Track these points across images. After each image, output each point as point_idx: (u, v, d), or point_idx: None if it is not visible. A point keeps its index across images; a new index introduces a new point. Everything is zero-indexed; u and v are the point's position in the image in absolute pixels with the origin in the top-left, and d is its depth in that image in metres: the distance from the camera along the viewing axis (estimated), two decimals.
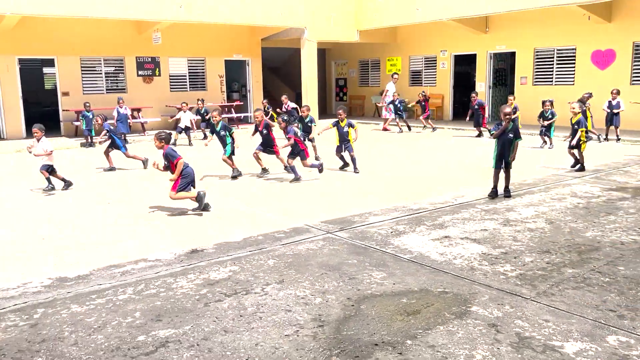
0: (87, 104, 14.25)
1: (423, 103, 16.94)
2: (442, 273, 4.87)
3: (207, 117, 14.86)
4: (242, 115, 19.63)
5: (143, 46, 17.54)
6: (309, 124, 11.21)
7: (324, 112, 21.63)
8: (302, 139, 9.37)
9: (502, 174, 7.70)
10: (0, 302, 4.39)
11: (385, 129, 17.56)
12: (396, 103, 17.22)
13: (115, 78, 17.75)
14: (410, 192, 8.25)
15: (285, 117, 9.44)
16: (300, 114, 15.53)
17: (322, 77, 23.37)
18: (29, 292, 4.60)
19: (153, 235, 6.24)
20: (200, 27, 17.84)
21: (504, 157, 7.60)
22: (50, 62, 17.28)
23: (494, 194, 7.68)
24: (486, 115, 15.52)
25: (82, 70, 16.84)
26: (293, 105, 15.84)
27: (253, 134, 10.46)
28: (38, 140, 8.69)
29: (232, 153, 9.61)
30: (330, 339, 3.67)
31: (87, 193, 8.62)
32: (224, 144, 9.55)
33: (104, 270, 5.10)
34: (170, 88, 18.47)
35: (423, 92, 17.32)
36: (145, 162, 10.64)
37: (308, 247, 5.68)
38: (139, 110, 16.89)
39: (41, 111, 17.95)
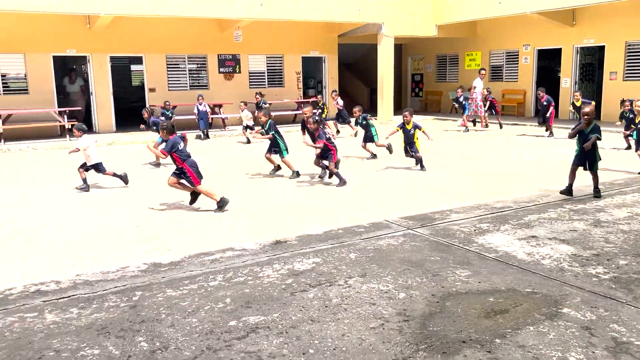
0: (167, 103, 14.80)
1: (489, 101, 16.39)
2: (530, 273, 4.74)
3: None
4: (317, 111, 19.78)
5: (224, 44, 18.09)
6: (362, 125, 11.20)
7: (398, 109, 21.39)
8: (334, 144, 8.73)
9: (588, 175, 7.45)
10: (102, 284, 4.71)
11: (479, 125, 17.10)
12: (461, 99, 16.81)
13: (197, 75, 18.42)
14: (489, 190, 8.05)
15: (317, 118, 8.84)
16: (343, 111, 15.46)
17: (398, 72, 23.16)
18: (128, 275, 4.91)
19: (237, 226, 6.46)
20: (279, 25, 18.16)
21: (586, 158, 7.30)
22: (138, 60, 18.17)
23: (566, 192, 7.42)
24: (551, 112, 14.67)
25: (167, 68, 17.60)
26: (342, 102, 15.81)
27: (303, 132, 9.96)
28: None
29: (275, 152, 9.39)
30: (416, 334, 3.68)
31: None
32: (276, 144, 9.35)
33: (195, 258, 5.34)
34: (250, 85, 18.94)
35: (488, 88, 16.78)
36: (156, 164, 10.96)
37: (389, 243, 5.69)
38: (220, 106, 17.45)
39: (129, 107, 18.90)
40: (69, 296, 4.44)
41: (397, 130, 9.96)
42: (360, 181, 9.00)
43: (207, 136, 15.40)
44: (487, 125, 16.44)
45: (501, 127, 16.29)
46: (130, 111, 17.87)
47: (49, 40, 15.51)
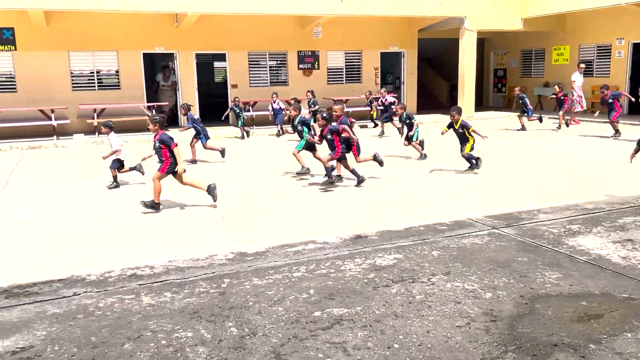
0: (237, 99, 15.09)
1: (562, 97, 15.51)
2: (626, 278, 4.49)
3: (313, 110, 14.90)
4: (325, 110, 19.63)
5: (304, 40, 18.30)
6: (407, 122, 10.98)
7: (480, 105, 20.87)
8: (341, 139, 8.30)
9: None
10: (193, 270, 4.93)
11: (574, 122, 16.32)
12: (563, 96, 16.01)
13: (277, 71, 18.77)
14: (576, 190, 7.68)
15: (325, 115, 8.40)
16: (393, 111, 14.94)
17: (480, 67, 22.51)
18: (216, 263, 5.10)
19: (318, 220, 6.55)
20: (358, 20, 18.15)
21: None
22: (221, 57, 18.75)
23: None
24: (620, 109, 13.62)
25: (249, 64, 18.04)
26: (391, 99, 15.30)
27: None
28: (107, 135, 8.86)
29: (305, 149, 9.26)
30: (504, 335, 3.59)
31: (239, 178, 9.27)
32: (301, 138, 9.36)
33: (278, 249, 5.47)
34: (328, 81, 19.07)
35: (559, 82, 15.88)
36: (222, 152, 10.83)
37: (473, 242, 5.57)
38: (299, 102, 17.68)
39: (212, 102, 19.55)
40: (163, 281, 4.68)
41: (447, 130, 9.48)
42: (433, 179, 8.85)
43: (283, 132, 15.51)
44: (567, 125, 15.50)
45: (541, 121, 15.46)
46: (213, 107, 18.47)
47: (140, 38, 16.31)
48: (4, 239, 6.05)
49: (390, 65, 20.70)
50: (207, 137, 10.91)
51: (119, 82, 16.58)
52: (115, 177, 8.72)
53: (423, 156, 10.68)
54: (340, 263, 5.02)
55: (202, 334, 3.69)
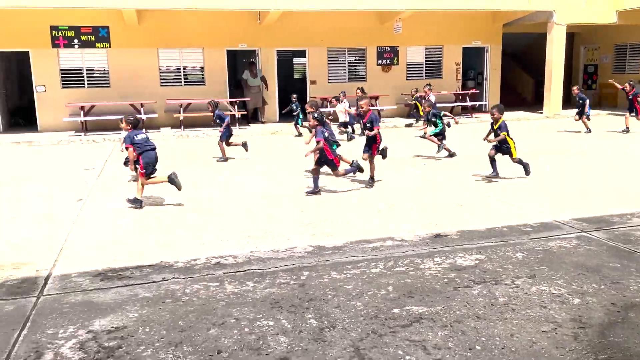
0: (295, 96, 15.04)
1: (630, 97, 14.03)
2: None
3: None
4: (477, 103, 19.15)
5: (384, 36, 18.18)
6: (432, 121, 10.73)
7: (567, 102, 19.86)
8: (330, 145, 7.80)
9: None
10: (273, 261, 5.05)
11: None
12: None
13: (355, 67, 18.78)
14: None
15: (317, 115, 7.81)
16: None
17: (568, 63, 21.44)
18: (295, 256, 5.20)
19: (396, 217, 6.50)
20: (440, 15, 17.80)
21: None
22: (301, 53, 19.00)
23: None
24: None
25: (328, 60, 18.16)
26: (433, 98, 14.56)
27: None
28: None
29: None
30: (594, 343, 3.43)
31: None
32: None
33: (356, 244, 5.49)
34: (407, 76, 18.85)
35: (630, 81, 14.45)
36: (245, 145, 10.74)
37: (560, 245, 5.34)
38: (376, 98, 17.62)
39: (290, 98, 19.78)
40: (245, 270, 4.83)
41: (491, 132, 8.64)
42: (514, 179, 8.53)
43: (348, 131, 15.08)
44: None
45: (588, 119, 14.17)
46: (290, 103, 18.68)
47: (224, 35, 16.82)
48: (101, 225, 6.45)
49: (472, 60, 20.15)
50: (229, 136, 10.88)
51: (203, 78, 17.19)
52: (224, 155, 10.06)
53: (442, 150, 10.54)
54: (419, 261, 4.97)
55: (283, 324, 3.78)
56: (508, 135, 8.35)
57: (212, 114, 11.03)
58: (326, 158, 7.69)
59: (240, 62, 19.90)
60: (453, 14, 17.79)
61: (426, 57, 19.13)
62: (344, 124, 14.33)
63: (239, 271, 4.81)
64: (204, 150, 12.42)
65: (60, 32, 15.48)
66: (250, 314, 3.95)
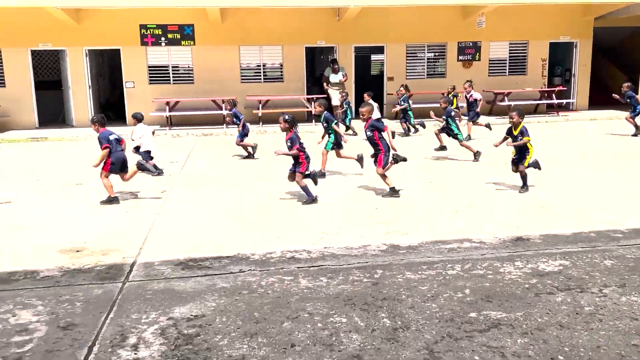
0: (370, 93, 14.68)
1: None
2: None
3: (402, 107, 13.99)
4: (564, 101, 18.24)
5: (465, 31, 17.68)
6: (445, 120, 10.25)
7: None
8: (304, 150, 7.21)
9: None
10: (347, 258, 5.05)
11: None
12: None
13: (434, 63, 18.40)
14: None
15: (287, 117, 7.20)
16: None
17: None
18: (369, 253, 5.17)
19: (473, 218, 6.31)
20: (526, 8, 17.08)
21: None
22: (379, 50, 18.85)
23: None
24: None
25: (406, 56, 17.91)
26: (478, 96, 13.53)
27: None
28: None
29: (333, 148, 8.77)
30: None
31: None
32: (328, 136, 8.84)
33: (432, 245, 5.38)
34: (489, 73, 18.24)
35: None
36: (254, 147, 10.78)
37: None
38: (456, 95, 17.19)
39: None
40: (319, 266, 4.86)
41: (503, 140, 7.76)
42: (599, 180, 8.03)
43: (412, 130, 14.72)
44: None
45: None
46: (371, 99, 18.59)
47: (303, 32, 16.99)
48: (183, 216, 6.71)
49: (559, 56, 19.20)
50: (245, 136, 10.98)
51: (282, 75, 17.46)
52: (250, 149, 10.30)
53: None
54: (499, 265, 4.79)
55: (356, 322, 3.76)
56: (530, 142, 7.38)
57: (230, 111, 11.26)
58: (299, 162, 7.14)
59: (317, 59, 20.05)
60: (540, 8, 17.01)
61: (510, 53, 18.42)
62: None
63: (312, 266, 4.85)
64: (281, 145, 12.59)
65: (148, 31, 16.23)
66: (324, 309, 3.96)
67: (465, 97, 13.75)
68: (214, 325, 3.76)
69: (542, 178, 8.15)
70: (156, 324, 3.81)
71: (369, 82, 21.99)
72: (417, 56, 18.13)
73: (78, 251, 5.39)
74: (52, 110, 16.91)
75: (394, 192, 7.31)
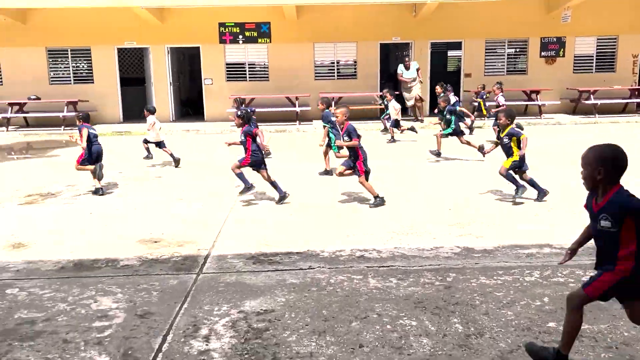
0: (447, 86, 14.22)
1: None
2: None
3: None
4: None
5: (549, 26, 16.88)
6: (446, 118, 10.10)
7: None
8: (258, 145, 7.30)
9: None
10: (418, 260, 4.93)
11: None
12: None
13: (514, 59, 17.72)
14: None
15: (240, 113, 7.40)
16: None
17: None
18: (441, 256, 5.03)
19: (556, 221, 6.00)
20: (616, 1, 16.09)
21: None
22: (456, 46, 18.38)
23: None
24: None
25: (485, 53, 17.35)
26: (502, 100, 12.38)
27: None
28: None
29: (332, 148, 8.62)
30: None
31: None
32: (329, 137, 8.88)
33: (509, 249, 5.16)
34: (574, 69, 17.35)
35: None
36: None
37: None
38: (537, 92, 16.49)
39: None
40: (389, 266, 4.78)
41: (493, 147, 7.48)
42: None
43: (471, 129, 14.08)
44: None
45: None
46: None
47: (378, 29, 16.83)
48: (256, 210, 6.82)
49: None
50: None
51: (355, 71, 17.40)
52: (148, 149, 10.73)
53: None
54: (581, 273, 4.52)
55: (426, 325, 3.66)
56: (517, 144, 6.84)
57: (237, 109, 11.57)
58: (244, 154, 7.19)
59: (392, 56, 19.80)
60: (632, 0, 15.97)
61: (597, 49, 17.43)
62: (395, 123, 13.17)
63: (382, 266, 4.78)
64: None
65: (227, 29, 16.65)
66: (393, 311, 3.89)
67: (495, 101, 13.12)
68: (283, 321, 3.78)
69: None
70: (227, 316, 3.88)
71: (446, 79, 21.49)
72: (496, 52, 17.53)
73: (156, 242, 5.61)
74: (135, 106, 17.75)
75: (379, 199, 6.84)
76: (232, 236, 5.76)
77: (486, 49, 17.33)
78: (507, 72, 17.47)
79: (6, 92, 16.49)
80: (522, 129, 7.46)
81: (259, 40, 16.82)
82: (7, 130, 15.78)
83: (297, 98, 16.10)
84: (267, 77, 17.19)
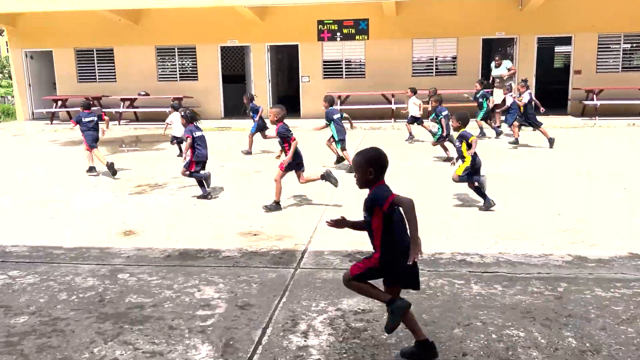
0: (527, 80, 13.11)
1: None
2: None
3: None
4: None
5: None
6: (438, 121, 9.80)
7: None
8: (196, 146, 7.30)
9: None
10: (525, 267, 4.65)
11: None
12: None
13: (631, 56, 16.43)
14: None
15: (184, 113, 7.51)
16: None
17: None
18: (551, 264, 4.71)
19: None
20: None
21: None
22: (564, 41, 17.34)
23: None
24: None
25: (598, 48, 16.21)
26: (526, 98, 10.99)
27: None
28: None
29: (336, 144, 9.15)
30: None
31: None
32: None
33: (627, 260, 4.75)
34: None
35: None
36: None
37: None
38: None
39: (549, 89, 18.26)
40: (493, 272, 4.54)
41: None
42: None
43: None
44: None
45: None
46: (551, 94, 17.11)
47: (481, 23, 16.22)
48: (350, 208, 6.77)
49: None
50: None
51: (455, 68, 16.90)
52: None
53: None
54: None
55: (536, 337, 3.43)
56: (468, 148, 6.51)
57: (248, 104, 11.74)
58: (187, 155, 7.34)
59: (495, 52, 19.02)
60: None
61: None
62: (413, 120, 12.71)
63: (486, 272, 4.55)
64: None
65: (325, 26, 16.77)
66: (499, 319, 3.68)
67: (529, 99, 11.62)
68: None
69: None
70: (325, 313, 3.85)
71: (553, 76, 20.34)
72: (610, 48, 16.34)
73: (255, 235, 5.72)
74: (236, 102, 18.35)
75: (277, 205, 6.67)
76: (328, 233, 5.70)
77: (599, 44, 16.19)
78: (623, 69, 16.25)
79: (119, 88, 17.67)
80: None
81: (357, 37, 16.78)
82: (119, 124, 16.90)
83: (393, 95, 15.90)
84: (364, 74, 17.13)
